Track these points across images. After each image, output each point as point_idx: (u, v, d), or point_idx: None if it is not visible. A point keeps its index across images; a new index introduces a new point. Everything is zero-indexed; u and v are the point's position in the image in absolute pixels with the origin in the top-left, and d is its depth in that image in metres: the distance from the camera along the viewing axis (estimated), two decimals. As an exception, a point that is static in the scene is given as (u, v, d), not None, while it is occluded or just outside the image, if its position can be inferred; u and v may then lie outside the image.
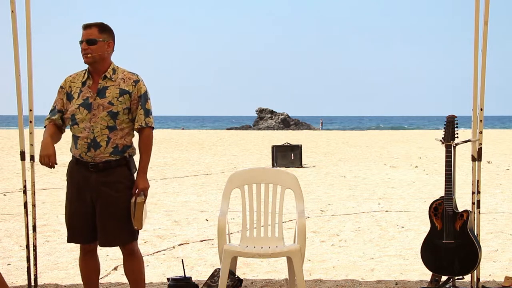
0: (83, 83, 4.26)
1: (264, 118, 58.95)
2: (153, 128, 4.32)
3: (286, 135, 39.24)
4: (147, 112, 4.27)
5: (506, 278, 5.40)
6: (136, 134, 4.36)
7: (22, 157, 5.21)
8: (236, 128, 58.86)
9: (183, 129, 60.17)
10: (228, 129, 59.84)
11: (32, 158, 5.23)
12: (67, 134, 4.38)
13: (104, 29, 4.24)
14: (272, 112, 59.51)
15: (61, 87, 4.34)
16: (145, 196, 4.23)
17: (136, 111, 4.25)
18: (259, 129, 55.22)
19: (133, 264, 4.37)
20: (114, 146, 4.21)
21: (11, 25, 5.06)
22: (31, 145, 5.20)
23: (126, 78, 4.27)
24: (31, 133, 5.20)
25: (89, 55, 4.18)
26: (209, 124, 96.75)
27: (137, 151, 4.36)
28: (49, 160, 4.17)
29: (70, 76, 4.35)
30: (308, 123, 61.26)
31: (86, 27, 4.22)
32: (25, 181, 5.28)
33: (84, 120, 4.20)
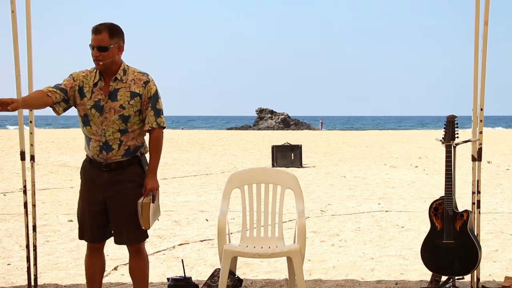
0: (95, 84, 4.23)
1: (264, 118, 58.95)
2: (164, 127, 4.31)
3: (286, 135, 39.24)
4: (158, 112, 4.26)
5: (506, 278, 5.40)
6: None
7: (22, 157, 5.20)
8: (236, 128, 58.86)
9: (183, 129, 60.15)
10: (228, 129, 59.83)
11: (32, 158, 5.23)
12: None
13: (114, 33, 4.17)
14: (272, 112, 59.50)
15: (73, 76, 4.25)
16: (154, 196, 4.24)
17: (146, 112, 4.23)
18: (259, 129, 55.22)
19: (139, 264, 4.39)
20: (126, 149, 4.22)
21: (11, 25, 5.06)
22: (31, 145, 5.20)
23: (137, 80, 4.24)
24: (31, 133, 5.20)
25: (101, 63, 4.14)
26: (209, 124, 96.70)
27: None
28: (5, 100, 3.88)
29: (83, 72, 4.28)
30: (308, 123, 61.26)
31: (96, 32, 4.14)
32: (25, 181, 5.28)
33: (96, 122, 4.19)
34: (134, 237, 4.29)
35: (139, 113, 4.24)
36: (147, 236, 4.36)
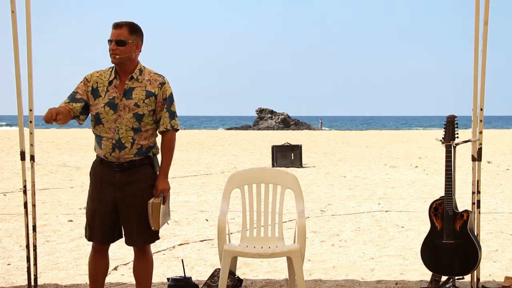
0: (110, 82, 4.25)
1: (264, 118, 58.94)
2: (177, 130, 4.32)
3: (286, 135, 39.23)
4: (173, 115, 4.28)
5: (506, 278, 5.40)
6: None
7: (22, 157, 5.20)
8: (236, 128, 58.84)
9: (184, 129, 60.12)
10: (228, 129, 59.81)
11: (32, 158, 5.22)
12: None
13: (134, 30, 4.23)
14: (272, 112, 59.49)
15: (86, 79, 4.29)
16: (165, 197, 4.25)
17: (161, 113, 4.25)
18: (259, 129, 55.21)
19: (143, 265, 4.39)
20: (138, 147, 4.23)
21: (11, 25, 5.06)
22: (31, 145, 5.20)
23: (153, 80, 4.26)
24: (31, 133, 5.19)
25: (117, 56, 4.17)
26: (209, 124, 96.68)
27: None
28: (52, 114, 4.04)
29: (97, 72, 4.32)
30: (308, 123, 61.24)
31: (117, 26, 4.20)
32: (25, 181, 5.28)
33: (109, 120, 4.20)
34: (145, 238, 4.30)
35: (153, 113, 4.25)
36: (157, 238, 4.36)
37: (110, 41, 4.20)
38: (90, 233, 4.34)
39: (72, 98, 4.26)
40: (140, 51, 4.30)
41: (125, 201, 4.22)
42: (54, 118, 4.05)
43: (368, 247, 7.28)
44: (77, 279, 5.80)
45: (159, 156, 4.38)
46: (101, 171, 4.29)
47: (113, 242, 4.38)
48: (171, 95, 4.29)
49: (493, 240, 7.52)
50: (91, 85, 4.28)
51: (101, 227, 4.28)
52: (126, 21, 4.24)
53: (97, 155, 4.35)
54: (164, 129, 4.26)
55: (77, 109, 4.25)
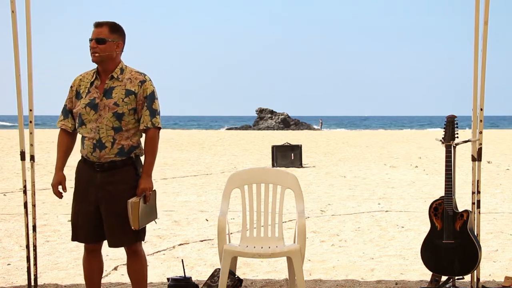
0: (91, 83, 4.27)
1: (264, 118, 58.92)
2: (159, 128, 4.31)
3: (286, 135, 39.23)
4: (154, 112, 4.25)
5: (506, 278, 5.40)
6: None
7: (22, 157, 5.20)
8: (236, 128, 58.84)
9: (186, 129, 60.03)
10: (228, 129, 59.81)
11: (32, 158, 5.22)
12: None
13: (115, 29, 4.24)
14: (272, 112, 59.47)
15: (71, 86, 4.35)
16: (147, 197, 4.23)
17: (142, 112, 4.24)
18: (259, 129, 55.20)
19: (136, 264, 4.38)
20: (119, 147, 4.21)
21: (11, 25, 5.06)
22: (31, 145, 5.20)
23: (133, 79, 4.26)
24: (31, 133, 5.20)
25: (96, 54, 4.19)
26: (209, 124, 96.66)
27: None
28: (57, 189, 4.32)
29: (80, 75, 4.36)
30: (308, 123, 61.24)
31: (98, 25, 4.22)
32: (25, 181, 5.28)
33: (91, 120, 4.21)
34: (127, 239, 4.27)
35: (134, 112, 4.24)
36: (141, 238, 4.34)
37: (90, 39, 4.22)
38: (74, 233, 4.34)
39: (65, 112, 4.36)
40: (122, 51, 4.31)
41: (106, 201, 4.21)
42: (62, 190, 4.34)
43: (368, 247, 7.28)
44: (77, 279, 5.80)
45: (143, 157, 4.35)
46: (84, 171, 4.30)
47: (101, 240, 4.36)
48: (152, 93, 4.27)
49: (493, 240, 7.52)
50: (75, 89, 4.33)
51: (85, 227, 4.27)
52: (107, 20, 4.26)
53: (81, 155, 4.36)
54: (145, 127, 4.24)
55: (73, 124, 4.35)
